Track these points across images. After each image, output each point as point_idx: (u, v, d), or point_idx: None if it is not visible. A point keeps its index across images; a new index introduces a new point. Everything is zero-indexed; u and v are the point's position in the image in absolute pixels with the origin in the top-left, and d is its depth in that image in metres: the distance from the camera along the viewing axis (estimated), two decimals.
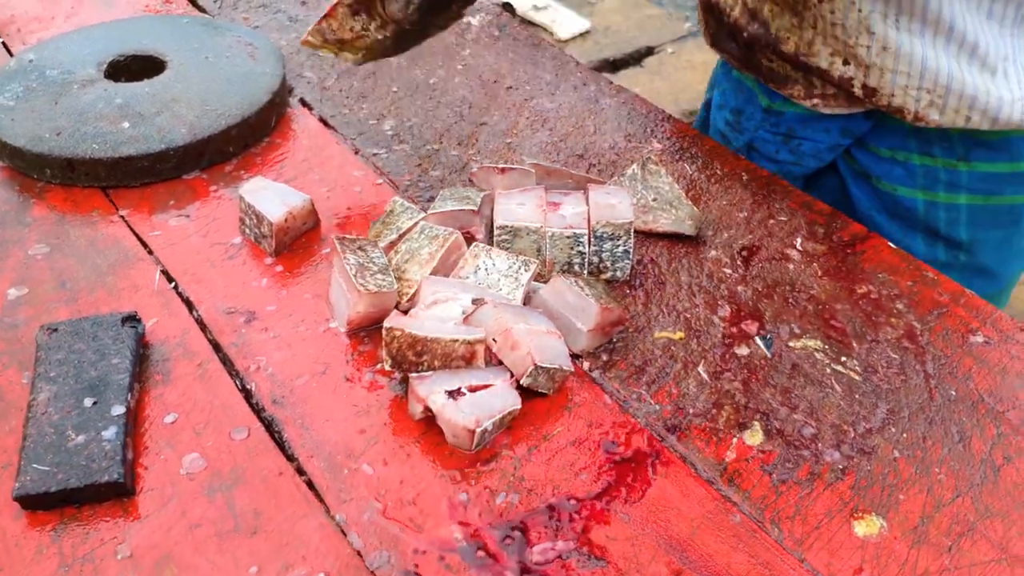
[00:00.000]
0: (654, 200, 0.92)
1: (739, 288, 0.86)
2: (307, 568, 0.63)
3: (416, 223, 0.84)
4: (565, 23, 3.65)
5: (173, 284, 0.85)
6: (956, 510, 0.67)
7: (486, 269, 0.80)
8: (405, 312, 0.78)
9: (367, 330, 0.80)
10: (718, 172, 1.00)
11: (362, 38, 0.95)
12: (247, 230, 0.89)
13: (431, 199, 0.95)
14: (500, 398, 0.71)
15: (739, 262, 0.89)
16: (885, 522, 0.66)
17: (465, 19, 1.25)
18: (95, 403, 0.70)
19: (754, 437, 0.72)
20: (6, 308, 0.82)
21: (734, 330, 0.81)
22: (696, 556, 0.64)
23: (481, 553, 0.64)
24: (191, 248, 0.89)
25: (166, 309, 0.82)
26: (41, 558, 0.63)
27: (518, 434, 0.72)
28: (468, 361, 0.73)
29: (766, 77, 1.05)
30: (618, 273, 0.85)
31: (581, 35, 3.67)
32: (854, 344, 0.80)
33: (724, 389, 0.76)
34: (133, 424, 0.71)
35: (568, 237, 0.83)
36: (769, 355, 0.79)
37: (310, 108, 1.09)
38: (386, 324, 0.71)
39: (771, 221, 0.94)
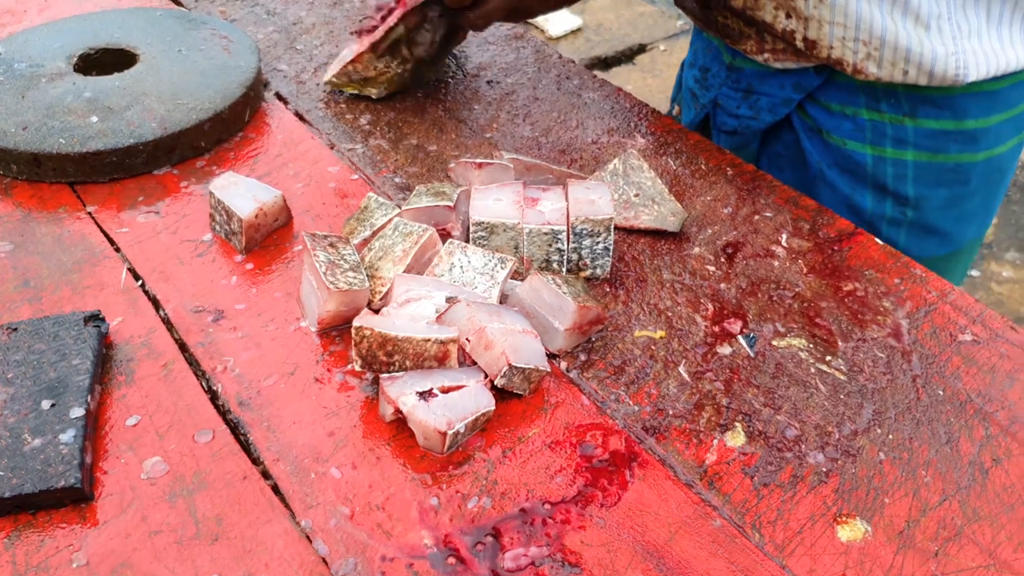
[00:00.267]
0: (636, 196, 0.90)
1: (722, 286, 0.83)
2: None
3: (390, 219, 0.82)
4: (557, 20, 3.63)
5: (140, 282, 0.82)
6: (943, 514, 0.65)
7: (461, 267, 0.78)
8: (377, 311, 0.75)
9: (338, 329, 0.77)
10: (702, 167, 0.98)
11: (384, 74, 1.05)
12: (217, 227, 0.87)
13: (408, 195, 0.92)
14: (473, 399, 0.69)
15: (723, 259, 0.86)
16: (870, 527, 0.64)
17: None
18: (53, 405, 0.68)
19: (736, 439, 0.70)
20: None
21: (716, 329, 0.79)
22: (673, 562, 0.62)
23: (451, 560, 0.62)
24: (160, 245, 0.86)
25: (132, 308, 0.79)
26: None
27: (492, 436, 0.70)
28: (441, 361, 0.71)
29: (722, 34, 1.07)
30: (598, 271, 0.83)
31: (573, 32, 3.65)
32: (839, 343, 0.78)
33: (705, 390, 0.74)
34: (93, 427, 0.69)
35: (546, 234, 0.81)
36: (752, 354, 0.77)
37: (286, 102, 1.07)
38: (356, 323, 0.69)
39: (756, 217, 0.92)
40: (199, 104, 0.97)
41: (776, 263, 0.86)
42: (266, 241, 0.87)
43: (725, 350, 0.77)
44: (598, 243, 0.81)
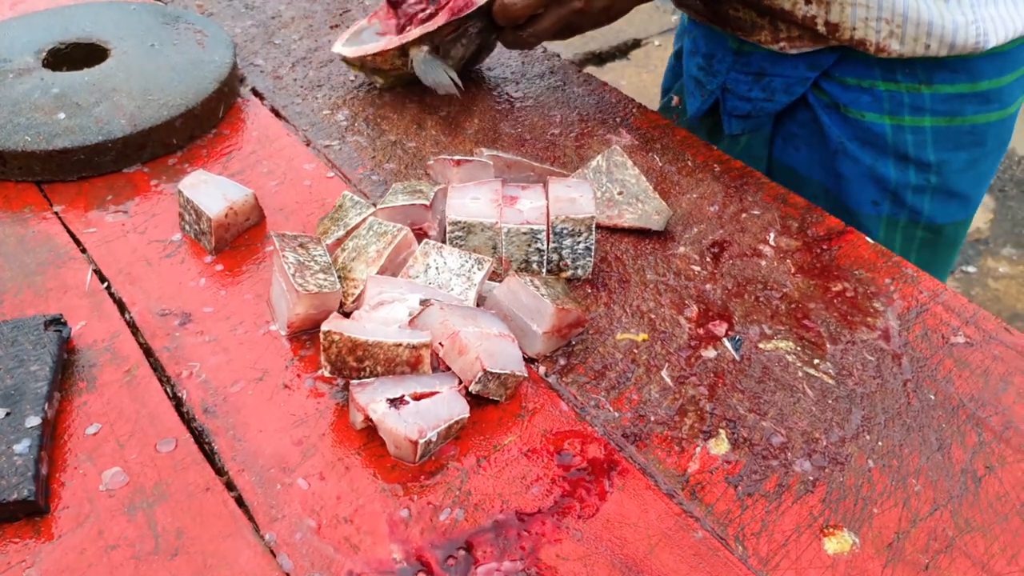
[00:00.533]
0: (619, 193, 0.87)
1: (708, 286, 0.81)
2: None
3: (365, 218, 0.79)
4: None
5: (106, 284, 0.80)
6: (934, 525, 0.63)
7: (437, 268, 0.75)
8: (349, 314, 0.73)
9: (309, 333, 0.75)
10: (689, 164, 0.96)
11: (397, 71, 1.02)
12: (187, 226, 0.84)
13: (385, 193, 0.90)
14: (447, 406, 0.67)
15: (708, 259, 0.84)
16: (857, 538, 0.62)
17: None
18: (8, 414, 0.65)
19: (719, 446, 0.67)
20: None
21: (701, 331, 0.77)
22: None
23: (422, 575, 0.59)
24: (127, 246, 0.83)
25: (96, 311, 0.77)
26: None
27: (466, 445, 0.67)
28: (413, 367, 0.68)
29: (733, 27, 1.06)
30: (579, 271, 0.80)
31: None
32: (828, 346, 0.76)
33: (689, 395, 0.71)
34: (51, 436, 0.66)
35: (525, 233, 0.78)
36: (738, 358, 0.74)
37: (262, 98, 1.04)
38: (324, 327, 0.66)
39: (743, 215, 0.89)
40: (171, 100, 0.95)
41: (763, 263, 0.83)
42: (237, 241, 0.84)
43: (710, 353, 0.75)
44: (579, 243, 0.79)
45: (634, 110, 1.04)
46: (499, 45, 1.10)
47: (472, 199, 0.80)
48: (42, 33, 1.04)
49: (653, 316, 0.78)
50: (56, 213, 0.87)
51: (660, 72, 3.61)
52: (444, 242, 0.80)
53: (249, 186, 0.87)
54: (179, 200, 0.83)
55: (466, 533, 0.61)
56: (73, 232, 0.85)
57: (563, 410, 0.70)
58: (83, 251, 0.83)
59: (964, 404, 0.71)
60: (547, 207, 0.79)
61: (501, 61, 1.12)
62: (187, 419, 0.68)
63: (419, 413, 0.65)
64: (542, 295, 0.71)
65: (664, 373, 0.73)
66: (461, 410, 0.67)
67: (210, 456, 0.66)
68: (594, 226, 0.78)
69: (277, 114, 1.02)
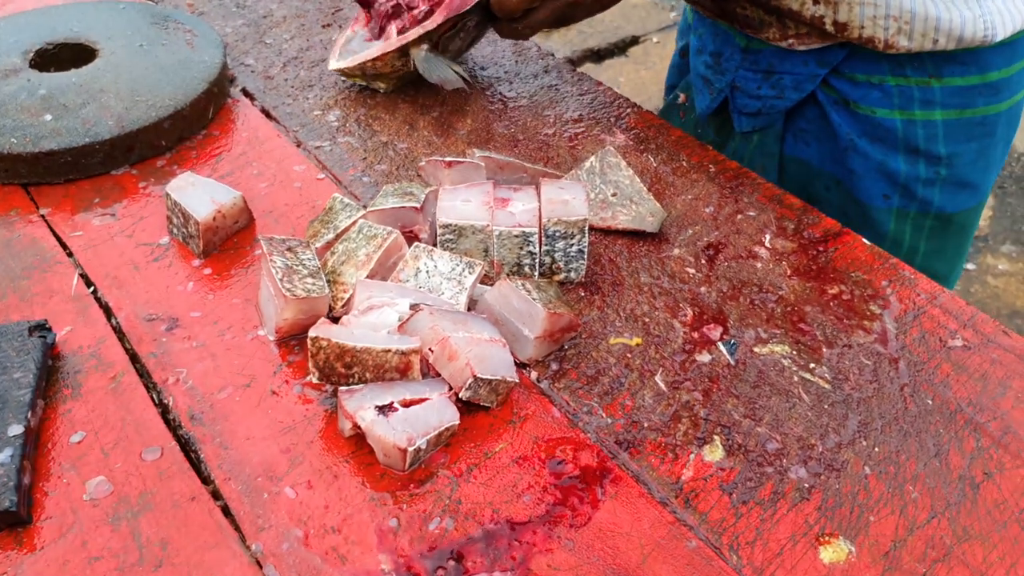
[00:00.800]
0: (613, 195, 0.86)
1: (702, 289, 0.80)
2: None
3: (355, 221, 0.78)
4: None
5: (92, 289, 0.78)
6: (931, 533, 0.62)
7: (428, 272, 0.74)
8: (338, 319, 0.72)
9: (298, 338, 0.74)
10: (684, 164, 0.95)
11: (398, 72, 1.02)
12: (175, 230, 0.83)
13: (375, 195, 0.88)
14: (436, 413, 0.65)
15: (703, 261, 0.83)
16: (854, 547, 0.61)
17: None
18: None
19: (714, 453, 0.66)
20: None
21: (696, 335, 0.76)
22: None
23: None
24: (114, 249, 0.82)
25: (82, 316, 0.76)
26: None
27: (457, 452, 0.66)
28: (403, 373, 0.67)
29: (741, 24, 1.06)
30: (572, 274, 0.79)
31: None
32: (824, 349, 0.74)
33: (683, 400, 0.70)
34: (34, 445, 0.65)
35: (517, 236, 0.77)
36: (732, 362, 0.73)
37: (253, 98, 1.03)
38: (312, 333, 0.65)
39: (739, 217, 0.88)
40: (159, 101, 0.93)
41: (759, 265, 0.82)
42: (226, 244, 0.83)
43: (704, 358, 0.74)
44: (572, 245, 0.78)
45: (628, 110, 1.03)
46: (494, 42, 1.09)
47: (463, 201, 0.79)
48: (29, 33, 1.02)
49: (647, 320, 0.77)
50: (42, 216, 0.86)
51: (659, 69, 3.59)
52: (435, 245, 0.79)
53: (238, 188, 0.86)
54: (167, 203, 0.82)
55: (456, 543, 0.60)
56: (59, 235, 0.84)
57: (555, 416, 0.69)
58: (69, 255, 0.82)
59: (962, 409, 0.70)
60: (539, 209, 0.78)
61: (494, 60, 1.11)
62: (173, 427, 0.67)
63: (408, 420, 0.64)
64: (534, 299, 0.70)
65: (658, 378, 0.72)
66: (451, 417, 0.66)
67: (196, 464, 0.65)
68: (587, 228, 0.77)
69: (268, 115, 1.00)
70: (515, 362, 0.71)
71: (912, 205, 1.09)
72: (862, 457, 0.66)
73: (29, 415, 0.65)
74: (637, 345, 0.75)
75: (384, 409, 0.64)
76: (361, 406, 0.64)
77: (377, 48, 0.99)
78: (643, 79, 3.48)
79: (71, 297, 0.77)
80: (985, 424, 0.69)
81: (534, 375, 0.72)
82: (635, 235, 0.85)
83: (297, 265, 0.73)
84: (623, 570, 0.59)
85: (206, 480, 0.64)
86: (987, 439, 0.68)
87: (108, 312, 0.76)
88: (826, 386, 0.72)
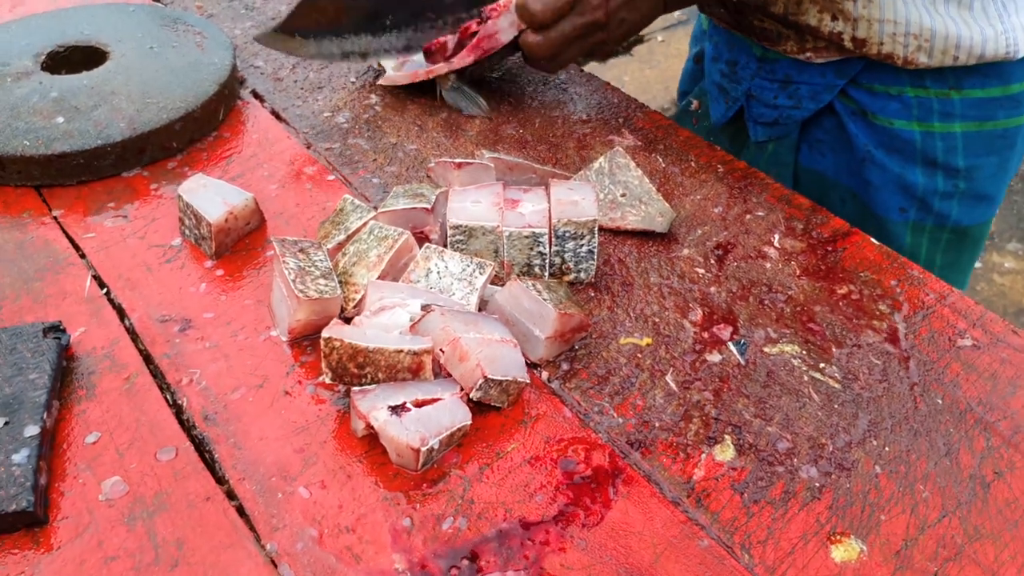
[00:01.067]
0: (622, 195, 0.86)
1: (712, 289, 0.80)
2: None
3: (366, 222, 0.79)
4: None
5: (105, 290, 0.79)
6: (942, 532, 0.62)
7: (438, 272, 0.74)
8: (350, 320, 0.72)
9: (310, 339, 0.74)
10: (692, 165, 0.95)
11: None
12: (187, 231, 0.83)
13: (386, 196, 0.89)
14: (448, 413, 0.66)
15: (713, 261, 0.83)
16: (865, 546, 0.61)
17: None
18: (7, 423, 0.64)
19: (725, 452, 0.67)
20: None
21: (706, 335, 0.76)
22: None
23: None
24: (127, 251, 0.83)
25: (95, 318, 0.76)
26: None
27: (469, 452, 0.66)
28: (415, 373, 0.67)
29: (758, 36, 1.05)
30: (582, 275, 0.80)
31: None
32: (834, 349, 0.75)
33: (693, 400, 0.70)
34: (50, 446, 0.65)
35: (527, 237, 0.77)
36: (743, 362, 0.74)
37: (262, 100, 1.04)
38: (325, 334, 0.66)
39: (748, 217, 0.88)
40: (170, 103, 0.94)
41: (768, 265, 0.83)
42: (237, 245, 0.83)
43: (714, 357, 0.74)
44: (582, 246, 0.78)
45: (637, 111, 1.03)
46: None
47: (473, 202, 0.79)
48: (40, 36, 1.03)
49: (657, 320, 0.77)
50: (55, 218, 0.87)
51: (663, 68, 3.58)
52: (445, 246, 0.79)
53: (249, 189, 0.86)
54: (179, 204, 0.83)
55: (469, 542, 0.61)
56: (72, 237, 0.84)
57: (566, 416, 0.69)
58: (82, 256, 0.82)
59: (972, 408, 0.70)
60: (549, 210, 0.79)
61: (504, 62, 1.11)
62: (187, 427, 0.68)
63: (421, 420, 0.65)
64: (544, 299, 0.71)
65: (669, 378, 0.72)
66: (463, 417, 0.66)
67: (211, 465, 0.65)
68: (596, 229, 0.78)
69: (277, 116, 1.01)
70: (526, 362, 0.71)
71: (929, 219, 1.07)
72: (872, 456, 0.67)
73: (45, 416, 0.65)
74: (647, 345, 0.75)
75: (397, 409, 0.65)
76: (374, 406, 0.65)
77: (405, 76, 1.02)
78: (648, 78, 3.48)
79: (84, 298, 0.78)
80: (995, 423, 0.69)
81: (545, 375, 0.72)
82: (644, 235, 0.85)
83: (309, 266, 0.73)
84: (635, 569, 0.59)
85: (221, 480, 0.64)
86: (997, 438, 0.68)
87: (121, 313, 0.77)
88: (836, 386, 0.72)
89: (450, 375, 0.69)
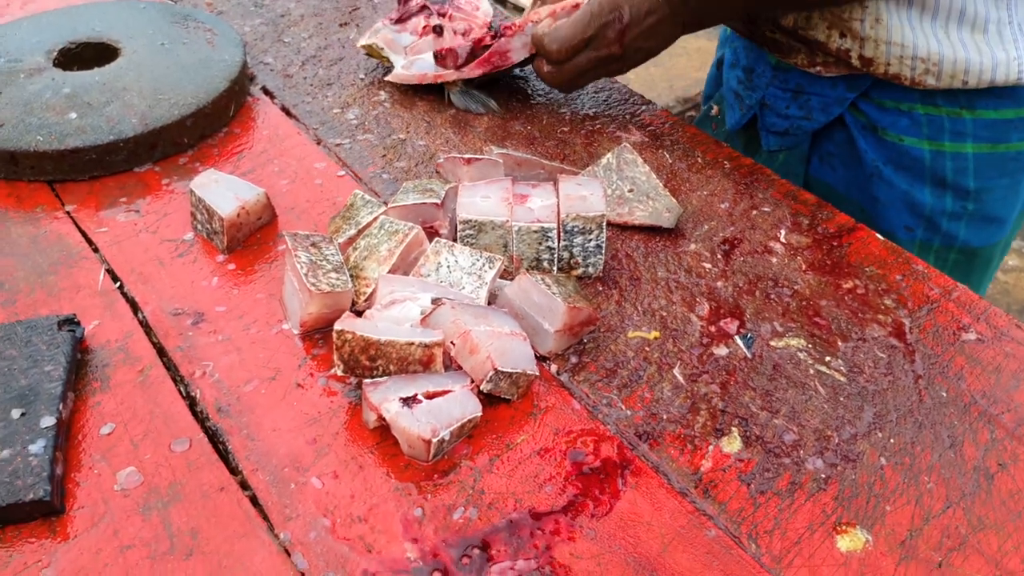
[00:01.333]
0: (630, 191, 0.87)
1: (719, 284, 0.81)
2: None
3: (376, 217, 0.80)
4: None
5: (118, 284, 0.80)
6: (947, 522, 0.63)
7: (448, 266, 0.75)
8: (361, 313, 0.73)
9: (322, 332, 0.75)
10: (699, 161, 0.96)
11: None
12: (199, 226, 0.84)
13: (396, 191, 0.90)
14: (459, 405, 0.67)
15: (719, 256, 0.84)
16: (870, 536, 0.62)
17: None
18: (23, 414, 0.65)
19: (732, 444, 0.68)
20: None
21: (713, 329, 0.77)
22: (667, 575, 0.59)
23: (436, 574, 0.59)
24: (139, 245, 0.84)
25: (109, 311, 0.77)
26: None
27: (479, 443, 0.67)
28: (426, 366, 0.68)
29: (770, 47, 1.05)
30: (590, 269, 0.81)
31: None
32: (839, 343, 0.76)
33: (701, 392, 0.71)
34: (65, 436, 0.66)
35: (536, 231, 0.78)
36: (749, 355, 0.74)
37: (272, 96, 1.04)
38: (337, 327, 0.66)
39: (754, 212, 0.89)
40: (181, 99, 0.95)
41: (774, 260, 0.83)
42: (249, 240, 0.84)
43: (721, 351, 0.75)
44: (590, 241, 0.79)
45: (643, 107, 1.04)
46: None
47: (483, 197, 0.80)
48: (52, 32, 1.04)
49: (664, 314, 0.78)
50: (68, 212, 0.88)
51: (668, 66, 3.59)
52: (455, 240, 0.80)
53: (260, 185, 0.87)
54: (191, 199, 0.83)
55: (480, 532, 0.62)
56: (85, 231, 0.85)
57: (575, 408, 0.70)
58: (95, 250, 0.83)
59: (976, 401, 0.71)
60: (557, 205, 0.80)
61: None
62: (201, 418, 0.69)
63: (432, 412, 0.66)
64: (553, 293, 0.72)
65: (676, 371, 0.73)
66: (473, 409, 0.67)
67: (224, 456, 0.66)
68: (604, 224, 0.79)
69: (287, 113, 1.02)
70: (535, 355, 0.72)
71: (936, 238, 1.05)
72: (878, 448, 0.67)
73: (60, 407, 0.66)
74: (655, 339, 0.76)
75: (408, 401, 0.66)
76: (386, 398, 0.66)
77: (414, 77, 1.03)
78: (652, 76, 3.48)
79: (98, 292, 0.79)
80: (999, 416, 0.70)
81: (554, 368, 0.73)
82: (651, 230, 0.86)
83: (321, 260, 0.74)
84: (644, 559, 0.60)
85: (234, 471, 0.65)
86: (1001, 431, 0.69)
87: (135, 307, 0.78)
88: (842, 379, 0.73)
89: (460, 368, 0.70)
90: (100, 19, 1.07)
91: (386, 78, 1.05)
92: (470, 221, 0.78)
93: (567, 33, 0.92)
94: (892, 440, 0.68)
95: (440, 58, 1.01)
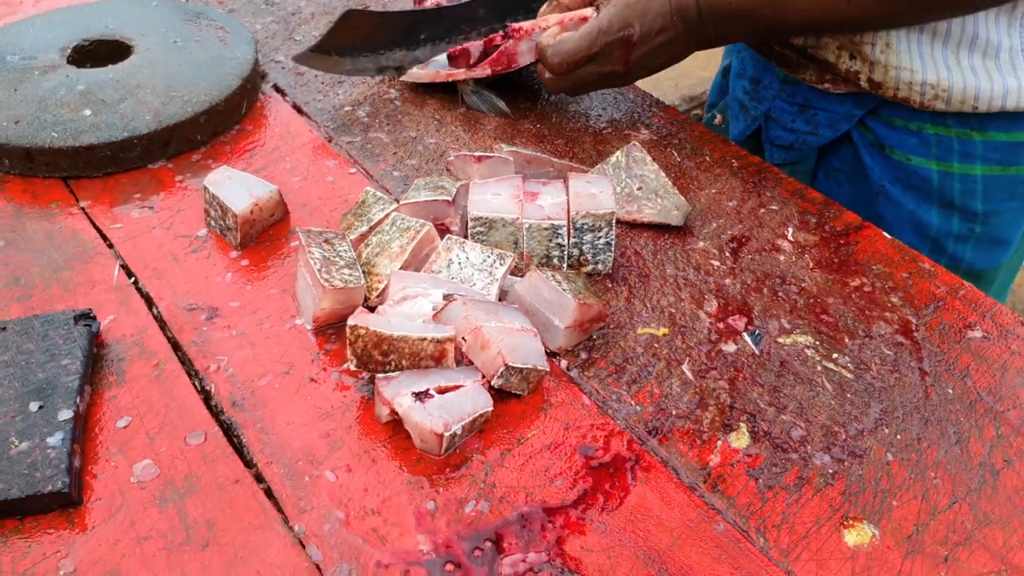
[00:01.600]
0: (639, 189, 0.88)
1: (727, 281, 0.82)
2: None
3: (388, 214, 0.80)
4: None
5: (133, 279, 0.81)
6: (953, 517, 0.64)
7: (459, 263, 0.76)
8: (373, 309, 0.74)
9: (334, 327, 0.76)
10: (707, 159, 0.96)
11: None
12: (212, 222, 0.85)
13: (406, 188, 0.91)
14: (471, 400, 0.68)
15: (727, 254, 0.85)
16: (877, 530, 0.63)
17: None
18: (41, 407, 0.66)
19: (740, 440, 0.68)
20: None
21: (721, 326, 0.77)
22: (676, 569, 0.60)
23: (449, 566, 0.60)
24: (153, 241, 0.85)
25: (124, 306, 0.78)
26: None
27: (490, 438, 0.68)
28: (438, 361, 0.69)
29: (779, 62, 1.04)
30: (599, 266, 0.81)
31: None
32: (846, 340, 0.76)
33: (709, 388, 0.72)
34: (82, 429, 0.67)
35: (546, 229, 0.79)
36: (757, 352, 0.75)
37: (284, 94, 1.05)
38: (350, 322, 0.67)
39: (762, 210, 0.90)
40: (194, 96, 0.96)
41: (782, 257, 0.84)
42: (262, 236, 0.85)
43: (729, 347, 0.76)
44: (599, 238, 0.80)
45: (652, 106, 1.05)
46: None
47: (493, 195, 0.81)
48: (65, 30, 1.05)
49: (673, 311, 0.79)
50: (83, 208, 0.88)
51: (674, 66, 3.60)
52: (466, 237, 0.81)
53: (272, 182, 0.88)
54: (204, 196, 0.84)
55: (492, 525, 0.62)
56: (100, 227, 0.86)
57: (585, 404, 0.71)
58: (110, 246, 0.84)
59: (982, 398, 0.72)
60: (567, 203, 0.80)
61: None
62: (216, 412, 0.70)
63: (444, 406, 0.66)
64: (564, 290, 0.72)
65: (685, 367, 0.74)
66: (485, 403, 0.68)
67: (239, 449, 0.67)
68: (614, 221, 0.79)
69: (299, 110, 1.03)
70: (545, 351, 0.73)
71: (942, 260, 1.03)
72: (884, 444, 0.68)
73: (78, 400, 0.67)
74: (664, 335, 0.76)
75: (421, 396, 0.66)
76: (398, 392, 0.67)
77: (427, 75, 1.04)
78: (658, 75, 3.48)
79: (113, 287, 0.80)
80: (1005, 413, 0.71)
81: (564, 364, 0.74)
82: (660, 228, 0.87)
83: (334, 256, 0.75)
84: (654, 552, 0.61)
85: (249, 464, 0.66)
86: (1007, 427, 0.69)
87: (149, 302, 0.79)
88: (849, 375, 0.73)
89: (472, 363, 0.70)
90: (113, 16, 1.07)
91: (400, 78, 1.06)
92: (481, 218, 0.79)
93: (571, 48, 0.92)
94: (899, 436, 0.69)
95: (454, 58, 1.02)
